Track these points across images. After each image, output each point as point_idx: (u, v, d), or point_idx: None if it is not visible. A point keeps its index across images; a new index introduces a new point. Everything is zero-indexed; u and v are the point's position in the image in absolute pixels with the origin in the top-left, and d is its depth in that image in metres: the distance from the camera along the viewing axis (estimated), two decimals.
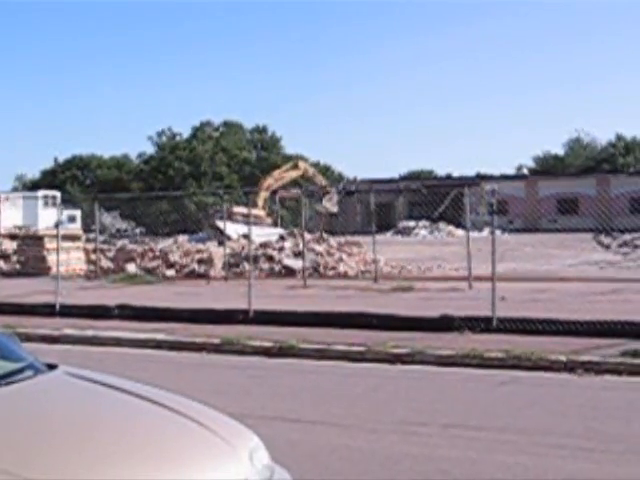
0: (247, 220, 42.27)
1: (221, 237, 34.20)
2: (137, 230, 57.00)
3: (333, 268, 28.69)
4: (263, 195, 50.11)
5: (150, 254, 32.07)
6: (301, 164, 57.59)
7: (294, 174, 53.19)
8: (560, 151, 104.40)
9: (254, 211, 42.33)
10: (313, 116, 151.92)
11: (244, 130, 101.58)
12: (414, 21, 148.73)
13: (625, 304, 17.66)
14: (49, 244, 30.06)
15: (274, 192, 50.93)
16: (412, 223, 68.45)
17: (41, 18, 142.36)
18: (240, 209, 44.12)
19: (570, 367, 11.97)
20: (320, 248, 30.59)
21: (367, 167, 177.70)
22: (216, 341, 14.65)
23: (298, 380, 11.98)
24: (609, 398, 10.45)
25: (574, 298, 19.08)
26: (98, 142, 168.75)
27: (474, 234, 26.62)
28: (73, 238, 31.73)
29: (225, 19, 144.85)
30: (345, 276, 27.61)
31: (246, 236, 29.66)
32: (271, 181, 52.93)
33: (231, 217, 36.22)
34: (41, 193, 60.52)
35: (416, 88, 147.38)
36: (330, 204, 50.13)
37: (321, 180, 55.52)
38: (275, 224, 48.82)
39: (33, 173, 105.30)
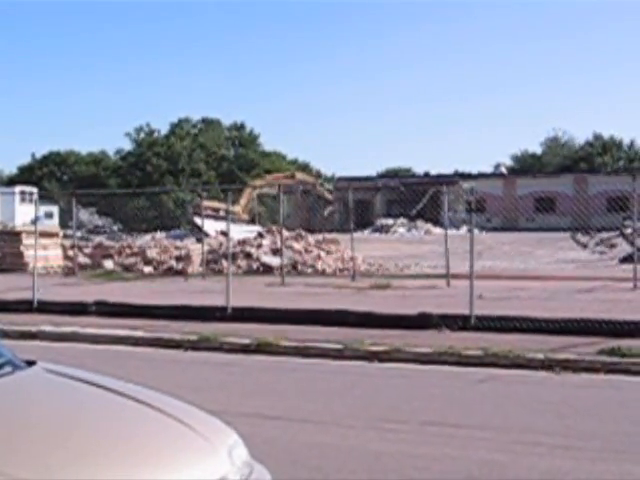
0: (218, 215, 42.58)
1: (199, 234, 34.19)
2: (115, 226, 56.81)
3: (311, 266, 28.71)
4: (248, 194, 50.25)
5: (128, 251, 32.03)
6: (298, 175, 58.42)
7: (288, 182, 53.73)
8: (538, 150, 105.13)
9: (224, 206, 42.62)
10: (292, 113, 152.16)
11: (222, 127, 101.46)
12: (393, 20, 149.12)
13: (602, 302, 17.77)
14: (26, 240, 29.94)
15: (253, 189, 51.22)
16: (390, 221, 68.54)
17: (17, 15, 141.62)
18: (211, 203, 44.21)
19: (547, 365, 12.02)
20: (298, 245, 30.61)
21: (345, 164, 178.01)
22: (194, 338, 14.62)
23: (276, 377, 11.98)
24: (586, 396, 10.50)
25: (551, 296, 19.19)
26: (76, 138, 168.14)
27: (452, 232, 26.69)
28: (50, 234, 31.65)
29: (204, 16, 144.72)
30: (323, 274, 27.62)
31: (224, 233, 29.65)
32: (260, 182, 53.25)
33: (201, 212, 36.25)
34: (18, 189, 60.10)
35: (394, 86, 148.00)
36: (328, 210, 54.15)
37: (323, 192, 56.92)
38: (253, 221, 48.92)
39: (10, 169, 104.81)
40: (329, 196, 59.22)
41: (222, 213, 43.56)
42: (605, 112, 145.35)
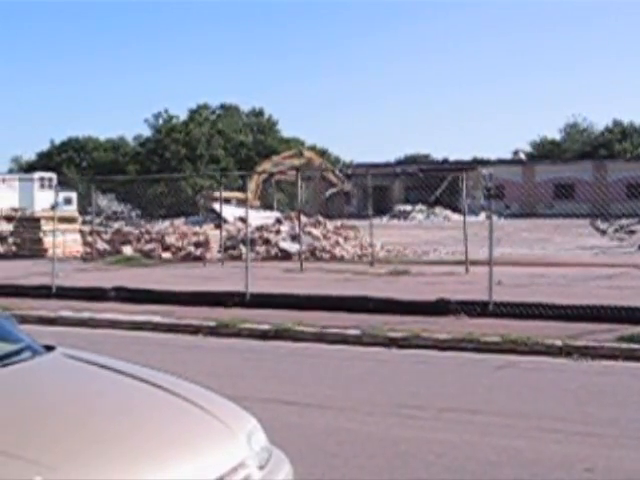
0: (230, 203, 42.65)
1: (217, 220, 34.23)
2: (133, 212, 56.91)
3: (329, 252, 28.70)
4: (256, 179, 50.14)
5: (146, 236, 32.11)
6: (307, 153, 57.99)
7: (296, 162, 53.23)
8: (557, 136, 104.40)
9: (238, 194, 42.61)
10: (310, 100, 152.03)
11: (241, 113, 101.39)
12: (410, 6, 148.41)
13: (621, 289, 17.68)
14: (45, 226, 30.10)
15: (271, 175, 51.06)
16: (408, 207, 68.40)
17: (34, 2, 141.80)
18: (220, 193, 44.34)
19: (566, 352, 11.97)
20: (317, 231, 30.60)
21: (364, 151, 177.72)
22: (212, 324, 14.65)
23: (294, 363, 12.00)
24: (605, 383, 10.47)
25: (570, 283, 19.11)
26: (94, 124, 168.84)
27: (470, 219, 26.58)
28: (69, 220, 31.74)
29: (223, 2, 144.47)
30: (341, 260, 27.61)
31: (243, 219, 29.66)
32: (267, 166, 52.99)
33: (212, 200, 36.31)
34: (37, 175, 60.31)
35: (413, 72, 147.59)
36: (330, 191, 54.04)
37: (329, 173, 56.69)
38: (270, 207, 48.89)
39: (29, 155, 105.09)
40: (334, 178, 59.07)
41: (233, 202, 43.58)
42: (625, 98, 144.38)
